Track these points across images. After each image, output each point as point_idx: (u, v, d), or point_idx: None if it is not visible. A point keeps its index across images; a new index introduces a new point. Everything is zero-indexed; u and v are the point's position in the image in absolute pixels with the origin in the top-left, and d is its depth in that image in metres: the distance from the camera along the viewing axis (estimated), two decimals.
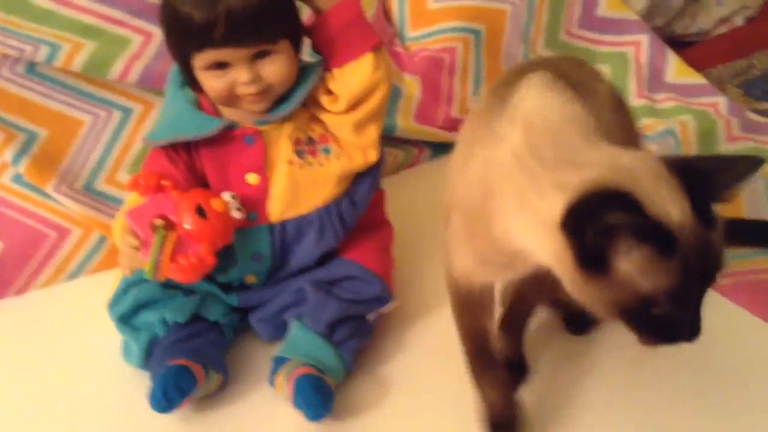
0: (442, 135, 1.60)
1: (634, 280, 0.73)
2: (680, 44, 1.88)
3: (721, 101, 1.63)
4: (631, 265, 0.72)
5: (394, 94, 1.58)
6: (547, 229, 0.77)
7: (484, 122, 0.89)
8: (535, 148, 0.81)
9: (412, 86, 1.61)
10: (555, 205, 0.75)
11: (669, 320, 0.76)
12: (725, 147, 1.53)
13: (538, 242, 0.79)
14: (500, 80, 0.99)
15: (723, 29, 1.95)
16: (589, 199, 0.73)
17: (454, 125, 1.59)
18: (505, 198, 0.82)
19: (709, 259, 0.75)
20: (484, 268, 0.95)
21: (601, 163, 0.76)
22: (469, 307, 1.01)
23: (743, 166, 0.77)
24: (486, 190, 0.84)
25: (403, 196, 1.46)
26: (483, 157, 0.86)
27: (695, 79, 1.70)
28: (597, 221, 0.71)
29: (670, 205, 0.72)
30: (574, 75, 0.93)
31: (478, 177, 0.86)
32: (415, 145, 1.60)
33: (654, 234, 0.71)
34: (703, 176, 0.75)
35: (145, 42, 1.36)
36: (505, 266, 0.93)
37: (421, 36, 1.64)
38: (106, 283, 1.18)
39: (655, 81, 1.70)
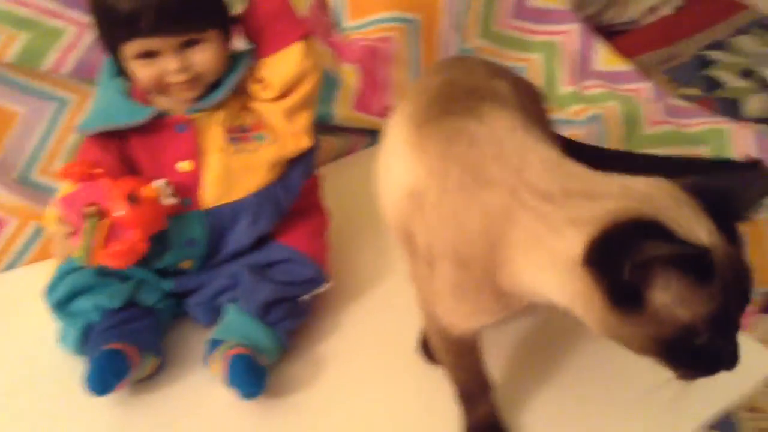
0: (380, 123, 1.64)
1: (673, 311, 0.69)
2: (611, 33, 1.95)
3: (646, 87, 1.70)
4: (670, 295, 0.68)
5: (332, 83, 1.61)
6: (566, 269, 0.73)
7: (456, 161, 0.85)
8: (537, 187, 0.78)
9: (350, 75, 1.65)
10: (574, 243, 0.72)
11: (707, 350, 0.72)
12: (648, 131, 1.60)
13: (556, 284, 0.75)
14: (424, 107, 0.95)
15: (652, 18, 2.02)
16: (618, 232, 0.69)
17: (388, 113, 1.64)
18: (513, 245, 0.78)
19: (743, 280, 0.72)
20: (482, 316, 0.91)
21: (616, 193, 0.73)
22: (464, 351, 1.00)
23: (763, 182, 0.75)
24: (491, 244, 0.80)
25: (341, 183, 1.50)
26: (480, 210, 0.81)
27: (622, 66, 1.77)
28: (635, 254, 0.66)
29: (696, 228, 0.69)
30: (478, 82, 0.97)
31: (480, 232, 0.81)
32: (354, 132, 1.64)
33: (694, 261, 0.67)
34: (722, 196, 0.73)
35: (79, 33, 1.36)
36: (505, 309, 0.89)
37: (359, 26, 1.67)
38: (44, 273, 1.19)
39: (584, 69, 1.76)
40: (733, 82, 1.83)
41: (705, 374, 0.74)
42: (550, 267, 0.75)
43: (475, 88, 0.97)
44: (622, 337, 0.73)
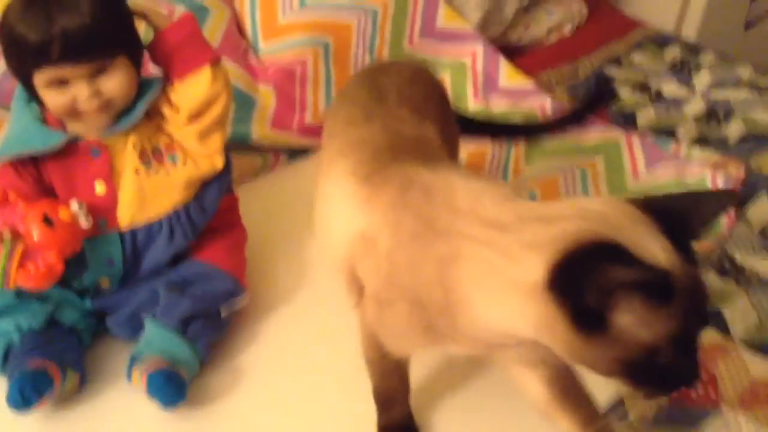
0: (298, 141, 1.70)
1: (636, 332, 0.70)
2: (516, 52, 2.06)
3: (546, 102, 1.82)
4: (633, 317, 0.69)
5: (249, 104, 1.67)
6: (526, 295, 0.72)
7: (410, 211, 0.87)
8: (491, 220, 0.78)
9: (266, 96, 1.71)
10: (532, 267, 0.72)
11: (669, 367, 0.73)
12: (549, 143, 1.71)
13: (517, 313, 0.75)
14: (369, 157, 0.98)
15: (554, 37, 2.15)
16: (579, 257, 0.69)
17: (308, 132, 1.71)
18: (468, 283, 0.79)
19: (700, 297, 0.73)
20: (432, 346, 0.95)
21: (571, 214, 0.74)
22: (397, 366, 1.05)
23: (716, 201, 0.78)
24: (447, 288, 0.81)
25: (261, 200, 1.56)
26: (436, 259, 0.82)
27: (524, 83, 1.88)
28: (598, 280, 0.67)
29: (654, 249, 0.70)
30: (414, 131, 1.05)
31: (436, 280, 0.82)
32: (272, 151, 1.69)
33: (655, 284, 0.69)
34: (678, 215, 0.73)
35: None
36: (454, 341, 0.89)
37: (273, 49, 1.74)
38: None
39: (489, 86, 1.87)
40: (628, 95, 1.96)
41: (667, 391, 0.76)
42: (508, 296, 0.74)
43: (417, 139, 1.03)
44: (587, 359, 0.74)
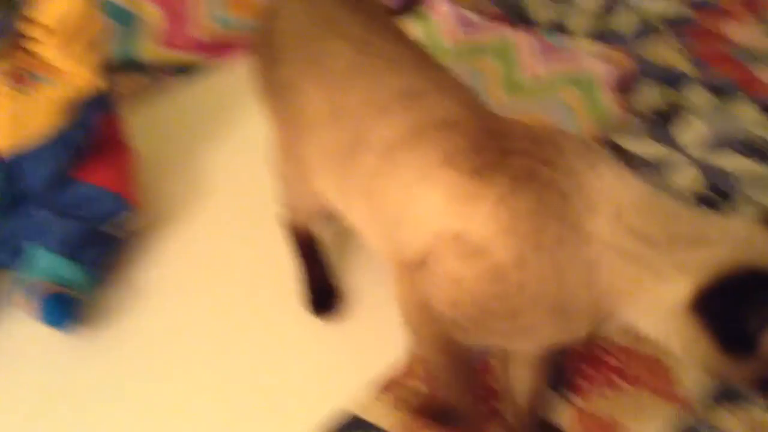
0: (187, 58, 1.66)
1: None
2: None
3: (445, 6, 1.80)
4: None
5: (132, 22, 1.62)
6: (672, 313, 0.76)
7: (551, 216, 0.82)
8: (638, 231, 0.79)
9: (152, 13, 1.65)
10: (681, 287, 0.75)
11: None
12: (448, 46, 1.71)
13: (660, 326, 0.79)
14: (470, 146, 0.87)
15: None
16: (732, 284, 0.73)
17: (197, 47, 1.67)
18: (617, 293, 0.80)
19: None
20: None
21: (719, 239, 0.76)
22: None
23: None
24: (595, 295, 0.82)
25: (155, 120, 1.53)
26: (584, 263, 0.81)
27: None
28: (758, 311, 0.72)
29: None
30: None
31: (584, 282, 0.81)
32: (162, 69, 1.65)
33: None
34: None
35: None
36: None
37: None
38: None
39: None
40: None
41: None
42: (653, 310, 0.78)
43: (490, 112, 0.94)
44: (729, 374, 0.78)
